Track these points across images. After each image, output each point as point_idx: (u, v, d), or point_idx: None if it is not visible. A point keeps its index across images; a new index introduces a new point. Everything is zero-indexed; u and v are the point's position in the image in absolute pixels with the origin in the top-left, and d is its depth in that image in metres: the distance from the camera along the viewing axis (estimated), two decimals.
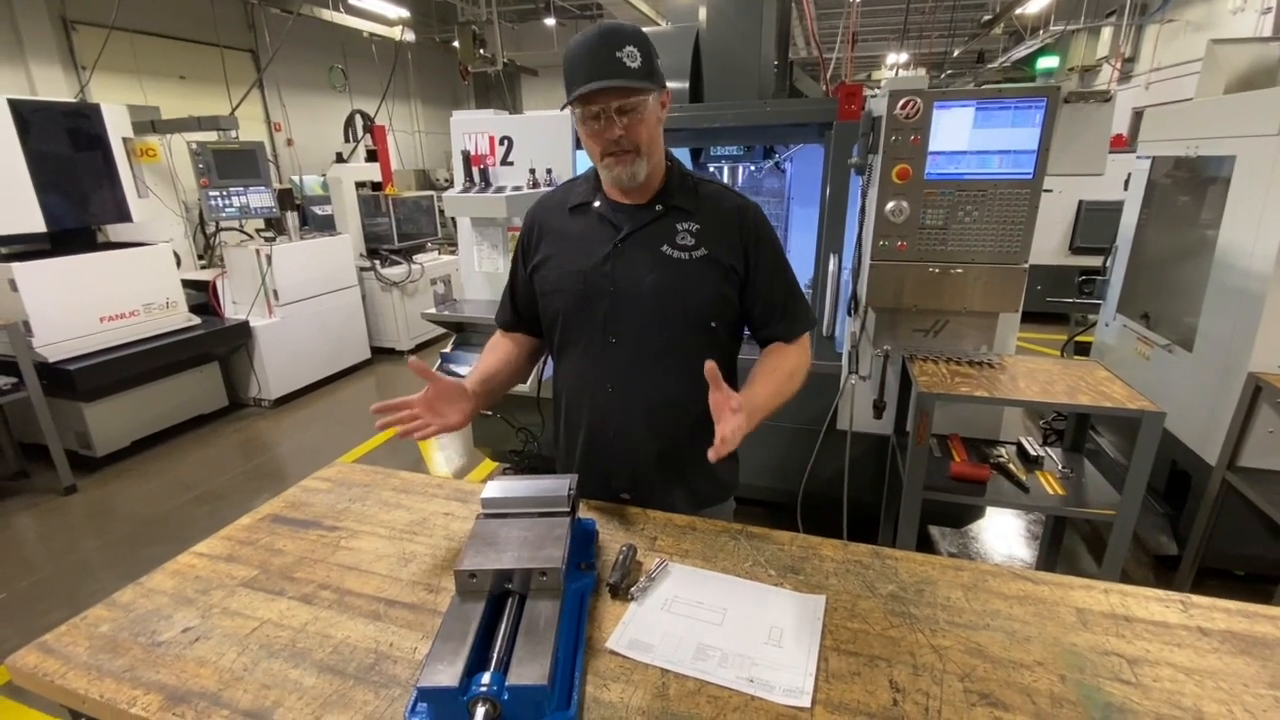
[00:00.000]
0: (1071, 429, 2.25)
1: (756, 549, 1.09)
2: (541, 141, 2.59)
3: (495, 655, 0.79)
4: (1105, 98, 2.00)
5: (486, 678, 0.74)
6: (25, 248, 3.33)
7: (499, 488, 1.04)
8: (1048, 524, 2.42)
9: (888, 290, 2.13)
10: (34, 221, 3.15)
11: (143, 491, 3.30)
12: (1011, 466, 2.04)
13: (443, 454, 3.69)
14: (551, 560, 0.88)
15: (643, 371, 1.17)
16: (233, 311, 4.19)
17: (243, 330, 4.03)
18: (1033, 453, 2.15)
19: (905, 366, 2.15)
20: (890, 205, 2.03)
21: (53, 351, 3.14)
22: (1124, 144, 6.10)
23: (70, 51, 6.72)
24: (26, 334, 3.07)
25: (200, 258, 4.80)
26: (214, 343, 3.94)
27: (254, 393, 4.30)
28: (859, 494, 2.43)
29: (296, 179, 6.55)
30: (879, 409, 2.27)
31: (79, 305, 3.27)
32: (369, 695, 0.80)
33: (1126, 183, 2.96)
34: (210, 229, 4.54)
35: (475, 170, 2.63)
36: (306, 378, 4.54)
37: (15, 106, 3.02)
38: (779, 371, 1.17)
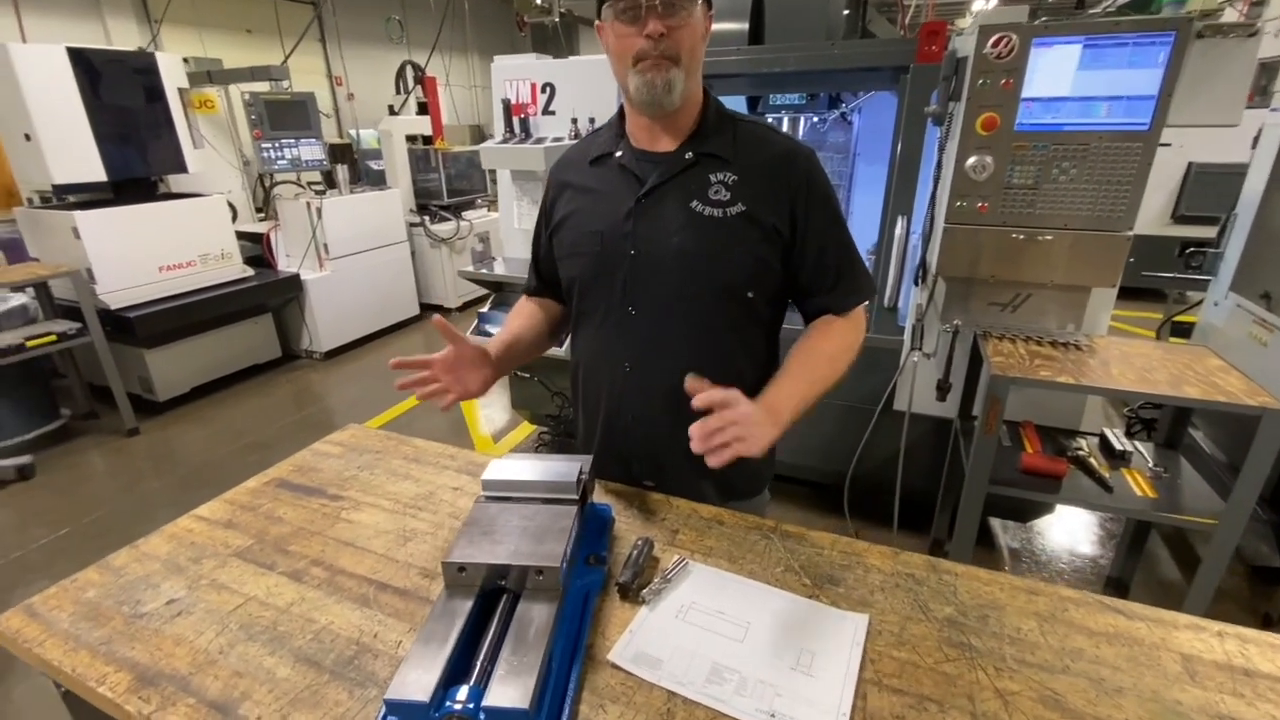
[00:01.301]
0: (1168, 422, 1.99)
1: (791, 551, 0.95)
2: (584, 88, 2.42)
3: (479, 664, 0.70)
4: (1250, 31, 1.67)
5: (463, 693, 0.65)
6: (90, 197, 3.42)
7: (503, 468, 0.94)
8: (1128, 525, 2.18)
9: (962, 258, 1.90)
10: (95, 171, 3.23)
11: (199, 436, 3.43)
12: (1093, 462, 1.82)
13: (483, 413, 3.68)
14: (550, 558, 0.78)
15: (665, 348, 1.03)
16: (285, 264, 4.26)
17: (294, 283, 4.09)
18: (1118, 447, 1.91)
19: (977, 344, 1.93)
20: (972, 160, 1.79)
21: (114, 299, 3.25)
22: (1249, 100, 5.37)
23: (144, 4, 6.88)
24: (90, 281, 3.17)
25: (259, 211, 4.90)
26: (266, 294, 4.01)
27: (306, 345, 4.39)
28: (913, 480, 2.24)
29: (354, 133, 6.61)
30: (943, 390, 2.06)
31: (138, 254, 3.36)
32: (342, 694, 0.73)
33: (1255, 140, 2.55)
34: (268, 182, 4.61)
35: (515, 120, 2.49)
36: (356, 332, 4.60)
37: (74, 55, 3.05)
38: (818, 355, 1.01)
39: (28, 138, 3.03)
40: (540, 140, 2.40)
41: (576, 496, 0.89)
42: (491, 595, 0.79)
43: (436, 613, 0.75)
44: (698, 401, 0.84)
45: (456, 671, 0.69)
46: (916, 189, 2.16)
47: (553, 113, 2.49)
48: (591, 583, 0.87)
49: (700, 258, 0.98)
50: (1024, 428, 2.01)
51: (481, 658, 0.71)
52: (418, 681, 0.65)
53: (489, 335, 2.56)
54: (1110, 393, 1.64)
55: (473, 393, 1.03)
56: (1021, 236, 1.82)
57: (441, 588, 0.79)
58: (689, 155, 1.00)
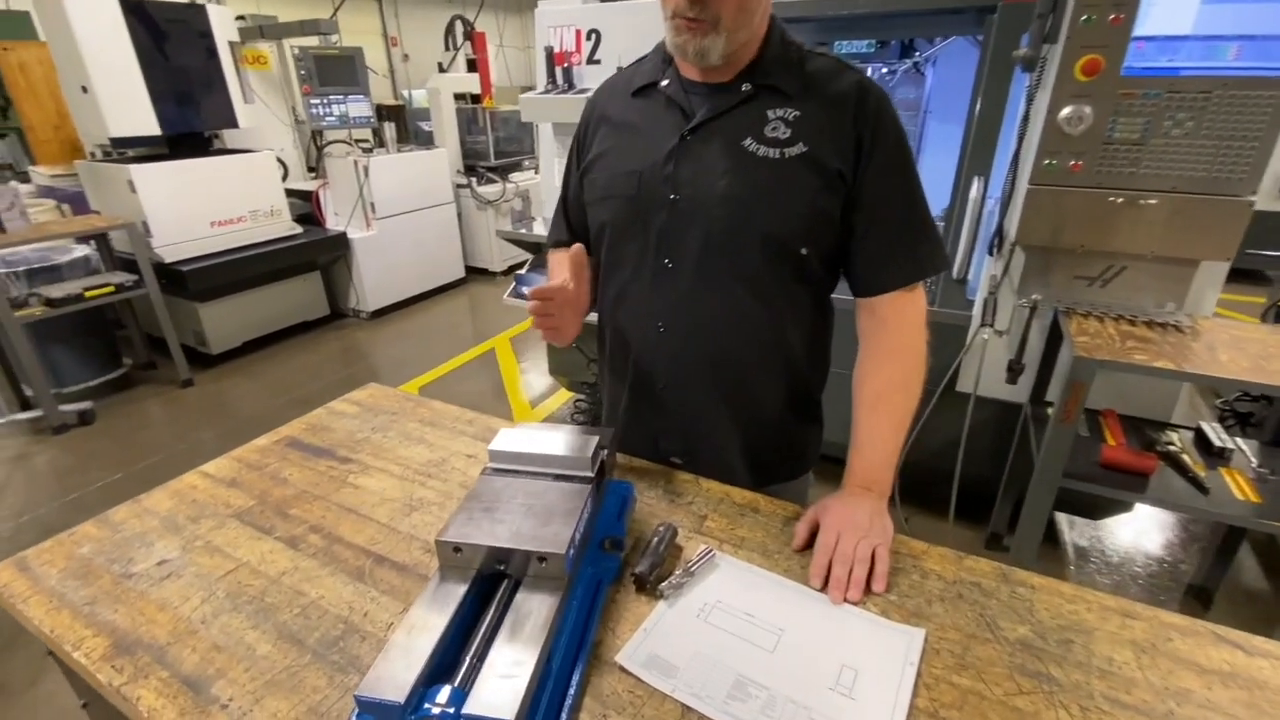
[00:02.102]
0: (1277, 419, 1.75)
1: None
2: (633, 36, 2.26)
3: (467, 660, 0.61)
4: None
5: (444, 695, 0.57)
6: (147, 151, 3.48)
7: (513, 438, 0.85)
8: (1218, 529, 1.96)
9: (1046, 224, 1.68)
10: (150, 124, 3.27)
11: (249, 390, 3.51)
12: (1186, 459, 1.61)
13: (523, 378, 3.64)
14: (555, 543, 0.68)
15: (704, 308, 0.91)
16: (334, 223, 4.28)
17: (341, 241, 4.11)
18: (1217, 443, 1.69)
19: (1057, 322, 1.72)
20: (1067, 111, 1.56)
21: (168, 252, 3.32)
22: None
23: None
24: (145, 234, 3.24)
25: (310, 171, 4.94)
26: (314, 252, 4.05)
27: (353, 304, 4.43)
28: (973, 468, 2.06)
29: (407, 94, 6.58)
30: (1014, 372, 1.87)
31: (191, 209, 3.41)
32: (321, 680, 0.66)
33: None
34: (320, 142, 4.62)
35: (558, 70, 2.36)
36: (402, 292, 4.62)
37: (127, 6, 3.06)
38: (889, 396, 0.90)
39: (85, 90, 3.08)
40: (584, 91, 2.26)
41: (592, 473, 0.79)
42: (491, 580, 0.70)
43: (426, 597, 0.67)
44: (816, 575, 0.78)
45: (442, 666, 0.61)
46: (997, 147, 1.93)
47: (598, 62, 2.34)
48: (604, 571, 0.77)
49: (749, 204, 0.85)
50: (1105, 417, 1.81)
51: (472, 653, 0.62)
52: (394, 679, 0.57)
53: (526, 297, 2.48)
54: (1220, 382, 1.43)
55: (566, 338, 0.92)
56: (1120, 200, 1.59)
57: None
58: (746, 87, 0.86)
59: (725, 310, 0.90)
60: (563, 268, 0.91)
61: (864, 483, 0.87)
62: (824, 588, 0.76)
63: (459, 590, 0.68)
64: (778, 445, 1.00)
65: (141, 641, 0.71)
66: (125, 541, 0.87)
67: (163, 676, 0.66)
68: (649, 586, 0.76)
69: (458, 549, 0.69)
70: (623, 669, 0.66)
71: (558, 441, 0.83)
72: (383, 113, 4.62)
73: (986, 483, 2.13)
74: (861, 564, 0.76)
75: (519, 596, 0.67)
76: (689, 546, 0.83)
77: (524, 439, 0.84)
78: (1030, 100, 1.69)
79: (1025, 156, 1.71)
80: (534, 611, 0.65)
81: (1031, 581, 0.77)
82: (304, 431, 1.14)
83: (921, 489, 2.24)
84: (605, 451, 0.84)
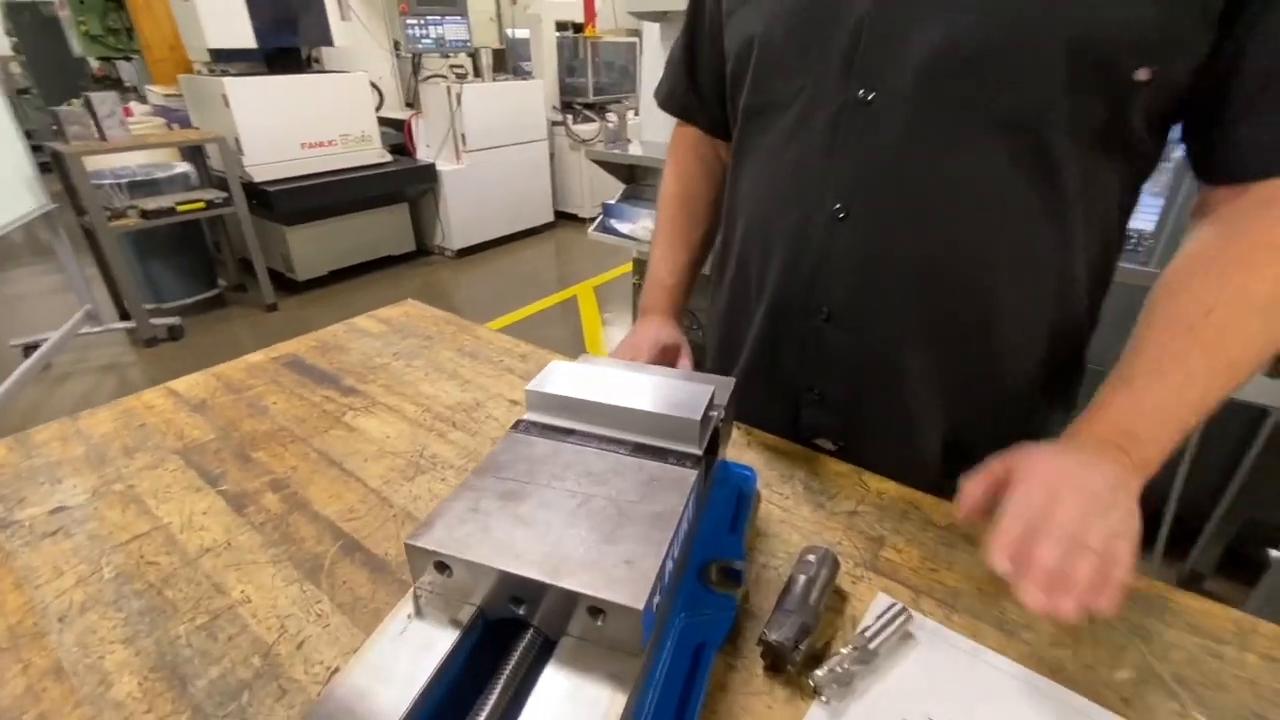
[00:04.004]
0: None
1: (1147, 635, 0.45)
2: None
3: None
4: None
5: None
6: (247, 68, 3.40)
7: (571, 376, 0.50)
8: None
9: None
10: (246, 37, 3.15)
11: (329, 320, 3.39)
12: None
13: (605, 330, 3.35)
14: (626, 582, 0.34)
15: (927, 179, 0.52)
16: (424, 154, 4.11)
17: (429, 172, 3.94)
18: None
19: None
20: None
21: (258, 172, 3.24)
22: None
23: None
24: (237, 152, 3.17)
25: (409, 105, 4.79)
26: (402, 181, 3.90)
27: (438, 240, 4.29)
28: (1169, 485, 1.56)
29: (510, 33, 6.32)
30: None
31: (282, 128, 3.31)
32: None
33: None
34: (420, 73, 4.45)
35: None
36: (489, 232, 4.43)
37: None
38: (1233, 316, 0.46)
39: None
40: None
41: (699, 449, 0.44)
42: (502, 630, 0.37)
43: (381, 645, 0.36)
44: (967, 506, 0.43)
45: None
46: None
47: None
48: (707, 625, 0.43)
49: (1026, 8, 0.45)
50: None
51: None
52: None
53: (615, 231, 2.15)
54: None
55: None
56: None
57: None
58: None
59: (969, 186, 0.50)
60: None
61: (1119, 433, 0.46)
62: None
63: (441, 640, 0.36)
64: (1011, 435, 0.61)
65: None
66: (30, 472, 0.62)
67: None
68: (791, 668, 0.41)
69: (443, 566, 0.37)
70: None
71: (643, 388, 0.48)
72: (480, 38, 4.35)
73: (1193, 505, 1.61)
74: (1091, 555, 0.37)
75: (549, 672, 0.34)
76: (856, 593, 0.48)
77: (587, 379, 0.50)
78: None
79: None
80: (581, 703, 0.32)
81: None
82: (311, 350, 0.87)
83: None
84: (719, 414, 0.49)
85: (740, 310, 0.68)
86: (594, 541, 0.37)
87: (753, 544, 0.52)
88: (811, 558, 0.47)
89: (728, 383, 0.53)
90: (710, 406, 0.47)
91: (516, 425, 0.48)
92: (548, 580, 0.34)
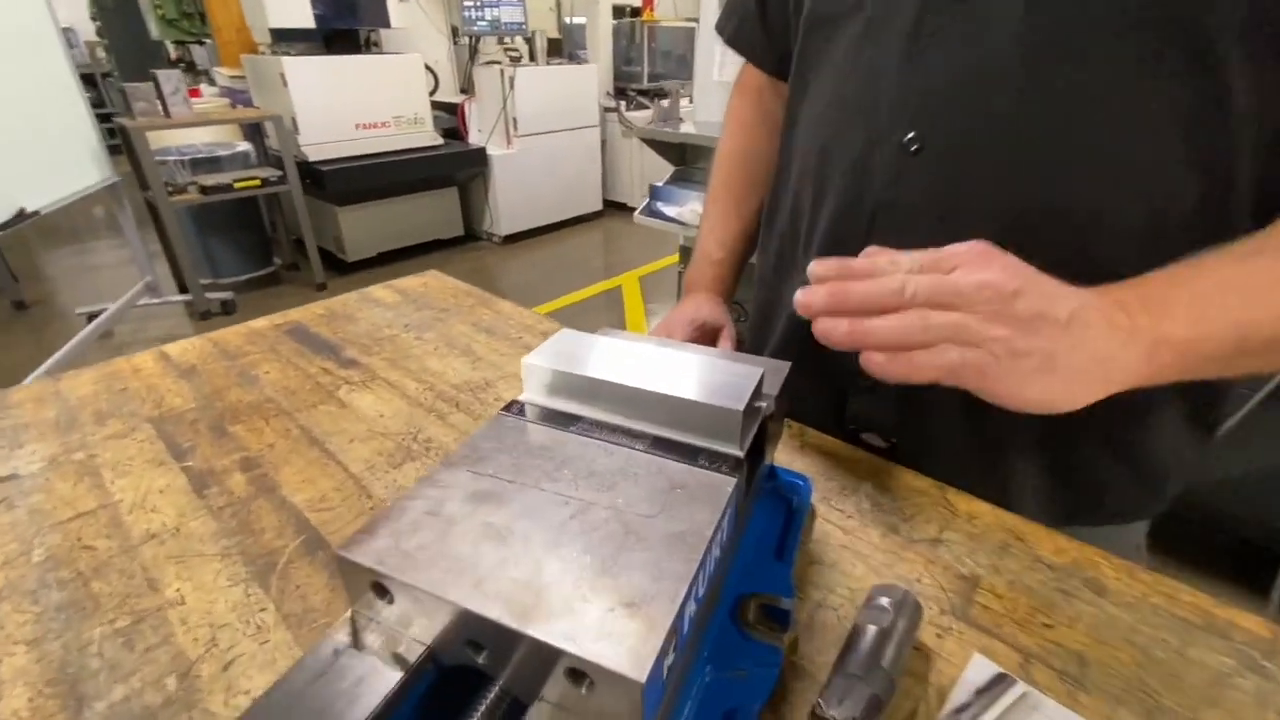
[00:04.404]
0: None
1: None
2: None
3: None
4: None
5: None
6: (306, 48, 3.43)
7: (581, 348, 0.40)
8: None
9: None
10: (305, 17, 3.18)
11: None
12: None
13: (649, 320, 3.25)
14: (629, 645, 0.23)
15: (1028, 105, 0.39)
16: (476, 139, 4.09)
17: (480, 156, 3.91)
18: None
19: None
20: None
21: (313, 151, 3.27)
22: None
23: None
24: (294, 131, 3.20)
25: (463, 91, 4.80)
26: (453, 165, 3.89)
27: (486, 226, 4.27)
28: (1245, 507, 1.35)
29: (568, 20, 6.27)
30: None
31: (338, 108, 3.33)
32: None
33: None
34: (477, 58, 4.43)
35: None
36: (537, 219, 4.38)
37: None
38: None
39: None
40: None
41: (740, 449, 0.33)
42: (460, 678, 0.28)
43: (301, 679, 0.26)
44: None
45: None
46: None
47: None
48: (746, 685, 0.32)
49: None
50: None
51: None
52: None
53: (662, 215, 2.04)
54: None
55: None
56: None
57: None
58: None
59: (1093, 113, 0.38)
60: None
61: (1132, 294, 0.34)
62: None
63: (377, 683, 0.26)
64: (1131, 453, 0.47)
65: None
66: None
67: None
68: None
69: (383, 590, 0.27)
70: None
71: (672, 367, 0.37)
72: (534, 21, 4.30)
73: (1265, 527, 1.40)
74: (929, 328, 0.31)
75: None
76: (944, 652, 0.36)
77: (602, 353, 0.39)
78: None
79: None
80: None
81: None
82: (317, 318, 0.79)
83: (1174, 527, 1.56)
84: (769, 405, 0.38)
85: (784, 270, 0.57)
86: (587, 570, 0.26)
87: (804, 575, 0.41)
88: (885, 601, 0.35)
89: (780, 367, 0.42)
90: (757, 395, 0.36)
91: (509, 407, 0.38)
92: (512, 625, 0.24)
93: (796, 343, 0.55)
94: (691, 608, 0.27)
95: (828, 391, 0.54)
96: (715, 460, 0.33)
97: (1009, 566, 0.41)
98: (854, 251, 0.48)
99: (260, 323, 0.78)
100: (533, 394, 0.39)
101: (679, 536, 0.28)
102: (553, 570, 0.26)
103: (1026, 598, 0.39)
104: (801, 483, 0.45)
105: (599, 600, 0.25)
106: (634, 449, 0.34)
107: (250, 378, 0.65)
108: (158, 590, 0.40)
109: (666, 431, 0.35)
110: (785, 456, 0.52)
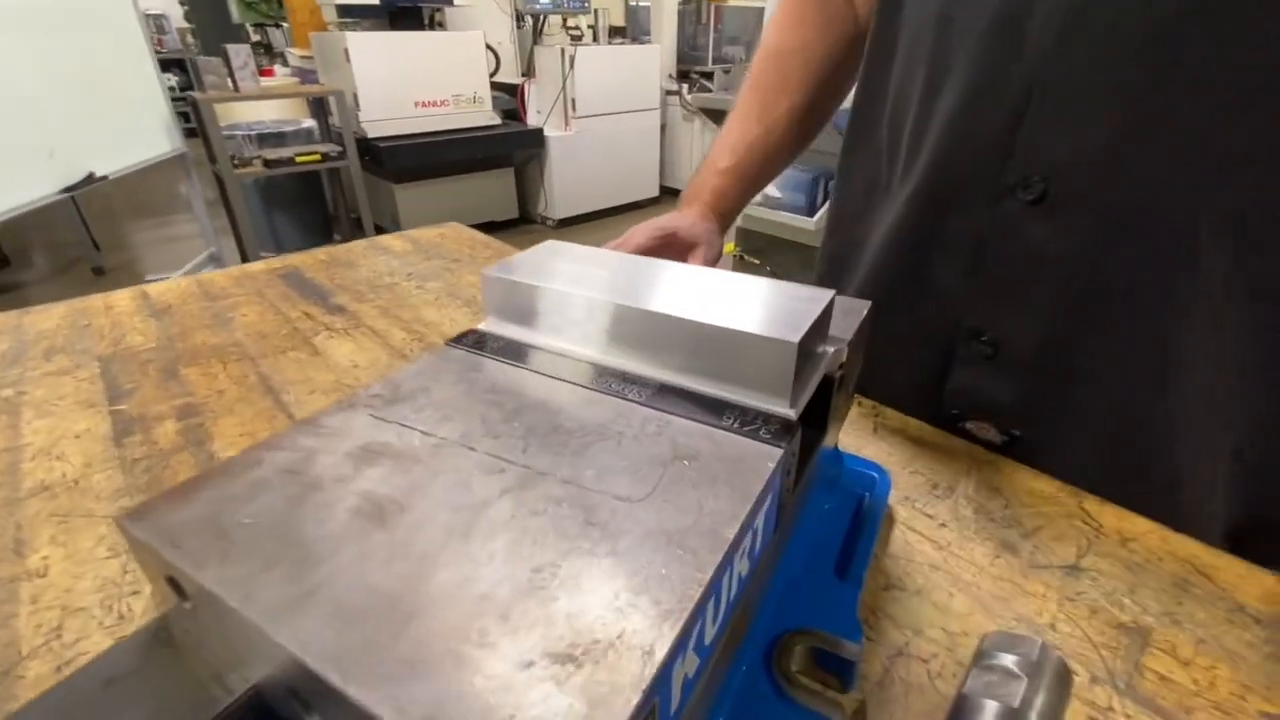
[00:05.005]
0: None
1: None
2: None
3: None
4: None
5: None
6: (370, 25, 3.46)
7: (565, 260, 0.29)
8: None
9: None
10: None
11: None
12: None
13: None
14: None
15: None
16: (534, 120, 4.04)
17: (537, 137, 3.86)
18: None
19: None
20: None
21: (372, 128, 3.28)
22: None
23: None
24: (355, 107, 3.22)
25: (525, 75, 4.76)
26: (510, 145, 3.85)
27: (541, 208, 4.22)
28: None
29: (632, 3, 6.17)
30: None
31: (399, 84, 3.34)
32: None
33: None
34: (539, 37, 4.38)
35: None
36: (592, 204, 4.30)
37: None
38: None
39: None
40: None
41: (791, 409, 0.21)
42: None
43: (82, 686, 0.16)
44: None
45: None
46: None
47: None
48: None
49: None
50: None
51: None
52: None
53: None
54: None
55: None
56: None
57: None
58: None
59: None
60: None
61: None
62: None
63: (178, 708, 0.16)
64: None
65: None
66: None
67: None
68: None
69: (179, 589, 0.16)
70: None
71: (695, 286, 0.25)
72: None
73: None
74: None
75: None
76: None
77: (594, 265, 0.28)
78: None
79: None
80: None
81: None
82: (317, 263, 0.71)
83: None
84: (840, 352, 0.25)
85: (872, 196, 0.43)
86: (503, 585, 0.15)
87: (876, 605, 0.28)
88: (1010, 661, 0.22)
89: (855, 306, 0.29)
90: (820, 331, 0.23)
91: (462, 338, 0.27)
92: (333, 679, 0.13)
93: (883, 290, 0.42)
94: (688, 665, 0.15)
95: (921, 358, 0.41)
96: (750, 421, 0.21)
97: (1194, 615, 0.28)
98: (982, 162, 0.35)
99: (255, 266, 0.70)
100: (495, 322, 0.28)
101: (678, 535, 0.16)
102: (443, 582, 0.15)
103: (1228, 667, 0.25)
104: (877, 475, 0.33)
105: (509, 645, 0.13)
106: (626, 398, 0.22)
107: (225, 319, 0.57)
108: (21, 555, 0.31)
109: (679, 376, 0.23)
110: (853, 440, 0.39)
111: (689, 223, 0.48)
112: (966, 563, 0.30)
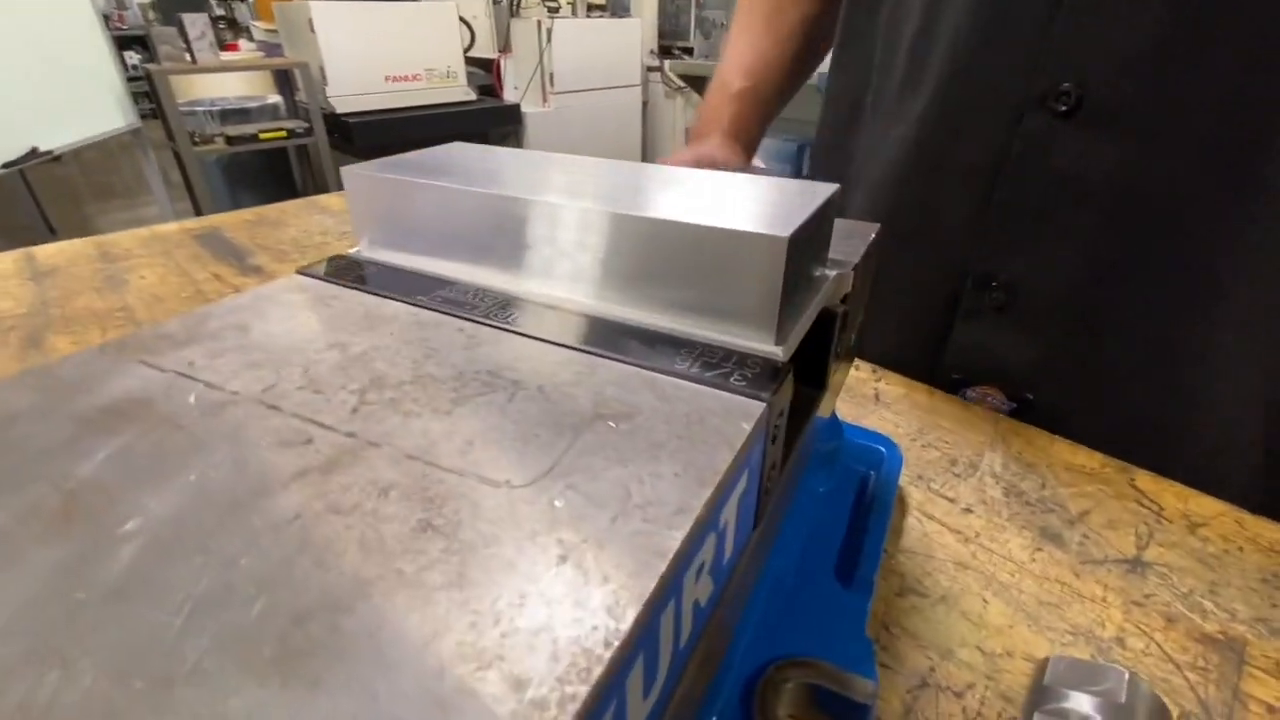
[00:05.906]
0: None
1: None
2: None
3: None
4: None
5: None
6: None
7: (453, 159, 0.21)
8: None
9: None
10: None
11: None
12: None
13: None
14: None
15: None
16: (511, 96, 3.92)
17: (514, 114, 3.75)
18: None
19: None
20: None
21: (341, 103, 3.16)
22: None
23: None
24: (321, 81, 3.08)
25: (502, 52, 4.61)
26: (485, 121, 3.73)
27: None
28: None
29: None
30: None
31: (368, 57, 3.21)
32: None
33: None
34: (515, 10, 4.23)
35: None
36: None
37: None
38: None
39: None
40: None
41: (778, 347, 0.14)
42: None
43: None
44: None
45: None
46: None
47: None
48: None
49: None
50: None
51: None
52: None
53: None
54: None
55: None
56: None
57: None
58: None
59: None
60: None
61: None
62: None
63: None
64: None
65: None
66: None
67: None
68: None
69: None
70: None
71: (651, 183, 0.18)
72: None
73: None
74: None
75: None
76: None
77: (507, 163, 0.20)
78: None
79: None
80: None
81: None
82: (242, 224, 0.63)
83: None
84: (847, 276, 0.18)
85: (859, 119, 0.37)
86: (265, 635, 0.08)
87: (890, 616, 0.21)
88: (1089, 704, 0.16)
89: (862, 228, 0.22)
90: (817, 238, 0.16)
91: (328, 264, 0.20)
92: None
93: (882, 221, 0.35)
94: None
95: (917, 316, 0.34)
96: (717, 362, 0.14)
97: None
98: (1004, 67, 0.28)
99: (171, 226, 0.62)
100: (368, 243, 0.20)
101: (580, 549, 0.09)
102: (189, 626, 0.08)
103: None
104: (884, 449, 0.26)
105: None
106: (535, 338, 0.15)
107: (119, 283, 0.49)
108: None
109: (614, 303, 0.16)
110: (850, 408, 0.32)
111: (725, 155, 0.41)
112: (1001, 558, 0.24)
